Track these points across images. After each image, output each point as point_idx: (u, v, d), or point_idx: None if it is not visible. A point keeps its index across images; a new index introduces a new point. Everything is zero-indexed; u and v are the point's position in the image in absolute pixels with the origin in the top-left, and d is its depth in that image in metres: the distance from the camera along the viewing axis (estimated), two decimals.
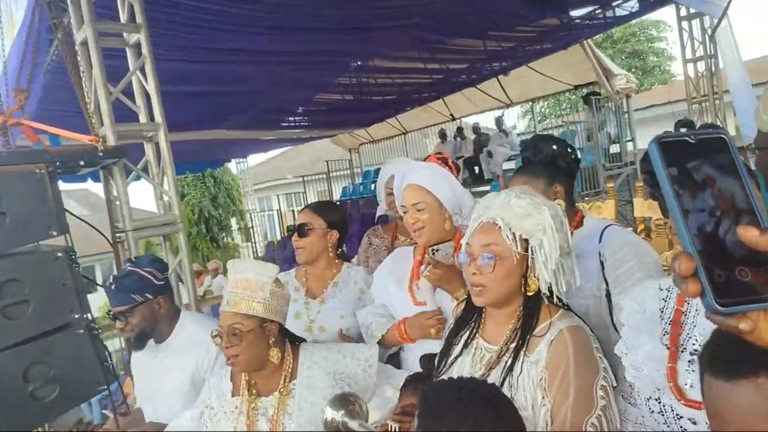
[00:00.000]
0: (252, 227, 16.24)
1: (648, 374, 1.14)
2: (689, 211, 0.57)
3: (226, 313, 1.59)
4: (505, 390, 1.23)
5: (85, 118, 2.83)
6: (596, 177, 7.69)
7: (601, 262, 1.61)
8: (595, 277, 1.62)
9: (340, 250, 2.28)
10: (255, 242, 16.12)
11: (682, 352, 1.12)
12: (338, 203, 2.54)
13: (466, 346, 1.39)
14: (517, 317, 1.33)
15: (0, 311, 2.17)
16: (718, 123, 7.35)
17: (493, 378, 1.28)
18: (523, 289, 1.32)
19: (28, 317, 2.20)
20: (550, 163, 1.74)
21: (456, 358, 1.39)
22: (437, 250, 1.76)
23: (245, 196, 16.99)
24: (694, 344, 1.12)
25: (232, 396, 1.69)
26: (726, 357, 0.74)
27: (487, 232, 1.31)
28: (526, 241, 1.29)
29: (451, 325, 1.49)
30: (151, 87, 2.97)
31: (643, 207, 3.64)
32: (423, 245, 1.89)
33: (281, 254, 11.02)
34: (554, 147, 1.74)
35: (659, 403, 1.12)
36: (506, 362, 1.28)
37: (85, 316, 2.41)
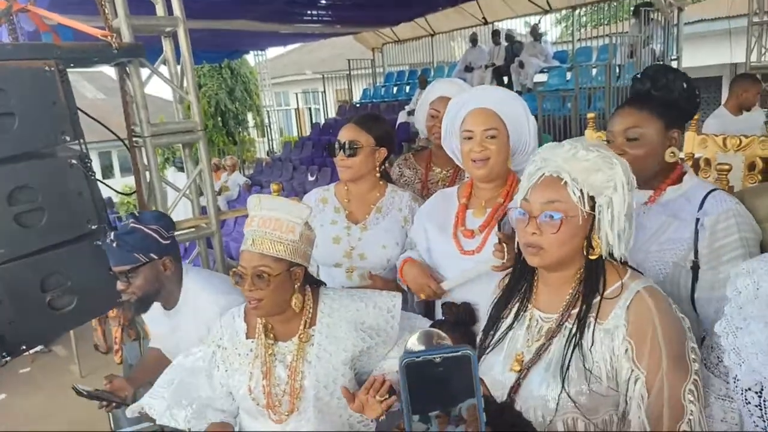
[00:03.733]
0: (269, 124, 15.96)
1: (753, 366, 1.02)
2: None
3: (252, 253, 1.46)
4: (574, 362, 1.12)
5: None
6: None
7: (697, 231, 1.44)
8: (684, 245, 1.46)
9: (383, 167, 2.12)
10: (271, 139, 15.91)
11: None
12: (377, 114, 2.33)
13: (517, 317, 1.27)
14: (577, 280, 1.20)
15: (14, 218, 2.07)
16: None
17: (555, 348, 1.17)
18: (585, 252, 1.18)
19: (42, 226, 2.10)
20: (673, 103, 1.49)
21: (507, 330, 1.27)
22: (505, 224, 1.56)
23: (262, 91, 16.54)
24: None
25: (247, 338, 1.60)
26: None
27: (551, 188, 1.15)
28: (592, 198, 1.15)
29: (498, 297, 1.35)
30: None
31: (694, 142, 3.36)
32: (481, 180, 1.70)
33: (298, 155, 10.90)
34: (684, 84, 1.49)
35: (760, 397, 1.00)
36: (571, 330, 1.16)
37: (103, 226, 2.31)
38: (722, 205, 1.44)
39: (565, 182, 1.14)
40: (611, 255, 1.18)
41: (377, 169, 2.06)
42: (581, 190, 1.13)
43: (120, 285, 1.83)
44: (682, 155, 3.11)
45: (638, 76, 1.57)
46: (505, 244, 1.51)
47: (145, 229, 1.81)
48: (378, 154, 2.04)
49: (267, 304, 1.48)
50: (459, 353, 0.69)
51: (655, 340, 1.09)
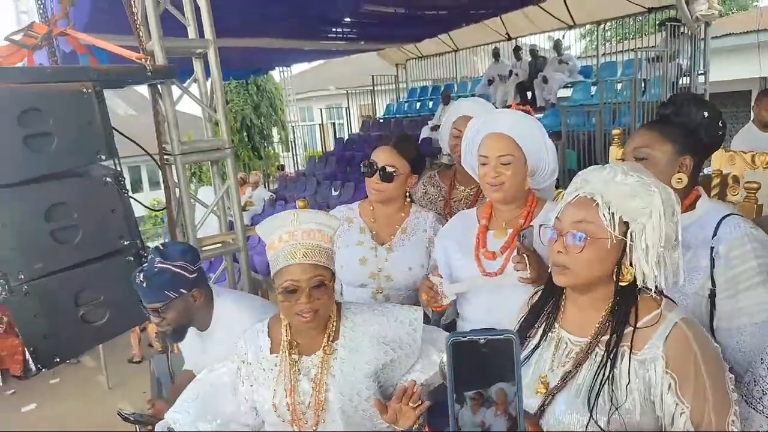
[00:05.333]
0: (293, 139, 16.17)
1: None
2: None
3: (304, 265, 1.48)
4: (605, 391, 1.10)
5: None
6: None
7: (712, 259, 1.40)
8: (701, 275, 1.42)
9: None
10: (296, 154, 16.10)
11: None
12: (410, 136, 2.34)
13: (544, 337, 1.25)
14: (608, 306, 1.17)
15: (50, 234, 2.14)
16: None
17: (585, 375, 1.15)
18: (615, 278, 1.15)
19: (77, 242, 2.18)
20: (691, 131, 1.48)
21: (534, 349, 1.26)
22: (525, 237, 1.55)
23: (287, 106, 16.78)
24: None
25: (271, 353, 1.62)
26: None
27: (582, 208, 1.15)
28: (627, 224, 1.12)
29: (525, 315, 1.35)
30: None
31: (722, 159, 3.30)
32: (498, 202, 1.71)
33: (322, 170, 10.99)
34: (705, 114, 1.47)
35: None
36: (602, 358, 1.14)
37: (135, 242, 2.38)
38: (736, 230, 1.40)
39: (597, 204, 1.12)
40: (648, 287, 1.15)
41: (407, 193, 2.08)
42: (612, 214, 1.11)
43: (154, 319, 1.90)
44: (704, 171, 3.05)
45: (665, 101, 1.57)
46: (525, 256, 1.50)
47: (173, 269, 1.87)
48: (410, 180, 2.05)
49: (323, 312, 1.52)
50: (503, 337, 0.72)
51: (700, 374, 1.07)
